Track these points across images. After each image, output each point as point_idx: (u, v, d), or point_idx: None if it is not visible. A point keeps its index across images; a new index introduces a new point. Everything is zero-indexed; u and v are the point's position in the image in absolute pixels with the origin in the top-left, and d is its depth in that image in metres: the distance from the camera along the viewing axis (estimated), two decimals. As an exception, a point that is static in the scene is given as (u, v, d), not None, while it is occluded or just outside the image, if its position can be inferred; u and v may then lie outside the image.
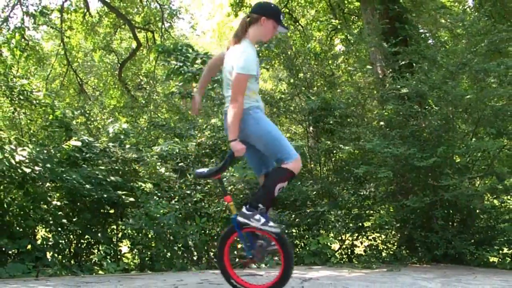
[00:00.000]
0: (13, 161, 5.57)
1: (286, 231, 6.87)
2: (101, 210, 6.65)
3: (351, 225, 6.82)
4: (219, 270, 3.69)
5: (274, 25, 3.38)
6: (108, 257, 6.18)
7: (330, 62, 7.98)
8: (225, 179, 6.81)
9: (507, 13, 9.18)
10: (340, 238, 6.97)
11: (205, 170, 3.72)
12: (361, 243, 7.21)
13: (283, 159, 3.27)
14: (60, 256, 6.09)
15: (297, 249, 6.86)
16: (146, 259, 6.39)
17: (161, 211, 6.18)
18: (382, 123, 7.00)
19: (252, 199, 3.44)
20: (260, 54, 8.10)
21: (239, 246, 3.65)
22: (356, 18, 11.03)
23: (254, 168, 3.64)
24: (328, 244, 6.48)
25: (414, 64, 7.12)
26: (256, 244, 3.44)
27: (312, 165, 7.57)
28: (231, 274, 3.62)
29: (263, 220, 3.29)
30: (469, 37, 6.13)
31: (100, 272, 5.75)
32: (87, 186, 6.11)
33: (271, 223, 3.32)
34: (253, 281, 3.76)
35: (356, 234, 7.05)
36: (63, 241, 6.21)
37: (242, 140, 3.28)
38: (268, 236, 3.38)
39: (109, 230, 6.73)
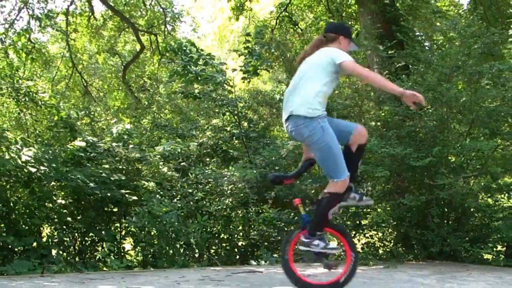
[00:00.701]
0: (19, 161, 5.58)
1: (286, 229, 6.87)
2: (105, 209, 6.66)
3: (348, 223, 6.82)
4: (284, 273, 3.67)
5: (349, 42, 3.65)
6: (112, 254, 6.18)
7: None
8: (225, 178, 6.82)
9: (501, 16, 9.18)
10: (338, 236, 6.96)
11: (280, 174, 3.77)
12: (359, 240, 7.21)
13: (334, 177, 3.38)
14: (65, 253, 6.10)
15: (296, 246, 6.86)
16: (149, 256, 6.40)
17: (164, 209, 6.19)
18: (379, 123, 7.00)
19: (310, 227, 3.56)
20: (260, 57, 8.10)
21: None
22: (354, 21, 11.03)
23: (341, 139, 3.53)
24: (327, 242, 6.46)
25: (410, 66, 7.13)
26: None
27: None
28: (297, 275, 3.64)
29: (322, 244, 3.47)
30: (463, 40, 6.13)
31: (104, 269, 5.76)
32: (91, 185, 6.12)
33: (330, 244, 3.54)
34: (316, 279, 3.76)
35: (354, 232, 7.05)
36: (68, 239, 6.22)
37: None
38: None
39: (112, 228, 6.74)
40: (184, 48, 8.09)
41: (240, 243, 7.19)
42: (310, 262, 3.96)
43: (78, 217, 6.38)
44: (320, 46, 3.56)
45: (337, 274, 3.62)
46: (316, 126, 3.29)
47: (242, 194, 6.81)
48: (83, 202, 6.50)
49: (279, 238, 6.87)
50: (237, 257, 6.61)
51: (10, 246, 5.48)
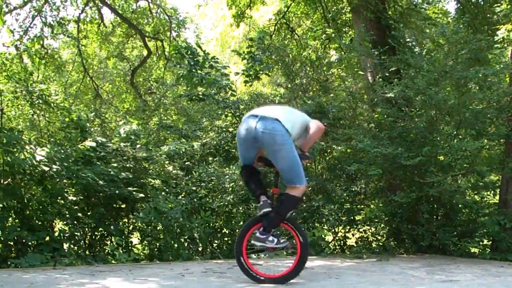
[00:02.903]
0: (33, 161, 5.58)
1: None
2: (114, 205, 6.65)
3: (343, 218, 6.82)
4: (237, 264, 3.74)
5: None
6: (120, 248, 6.17)
7: (324, 68, 7.96)
8: (227, 177, 6.81)
9: (487, 24, 9.15)
10: (333, 230, 6.96)
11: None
12: (353, 235, 7.20)
13: (297, 183, 3.55)
14: (76, 247, 6.09)
15: (293, 241, 6.85)
16: (155, 250, 6.39)
17: (169, 205, 6.18)
18: (372, 125, 7.00)
19: (267, 224, 3.62)
20: (262, 62, 8.10)
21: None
22: (349, 28, 11.01)
23: (246, 159, 3.82)
24: (323, 236, 6.48)
25: (401, 71, 7.12)
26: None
27: (307, 164, 7.56)
28: (253, 271, 3.71)
29: (276, 240, 3.62)
30: (450, 46, 6.13)
31: (113, 262, 5.75)
32: (101, 182, 6.10)
33: (281, 240, 3.68)
34: (269, 271, 3.80)
35: (348, 227, 7.04)
36: (78, 233, 6.21)
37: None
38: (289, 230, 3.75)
39: (121, 223, 6.73)
40: (194, 50, 8.08)
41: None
42: (257, 252, 3.99)
43: (88, 213, 6.37)
44: None
45: (288, 266, 3.72)
46: (289, 139, 3.54)
47: (243, 192, 6.80)
48: (93, 199, 6.48)
49: (277, 232, 6.87)
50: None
51: (24, 240, 5.47)
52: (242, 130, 3.66)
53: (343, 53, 8.60)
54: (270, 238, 3.60)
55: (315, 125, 3.76)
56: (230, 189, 6.84)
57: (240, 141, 3.74)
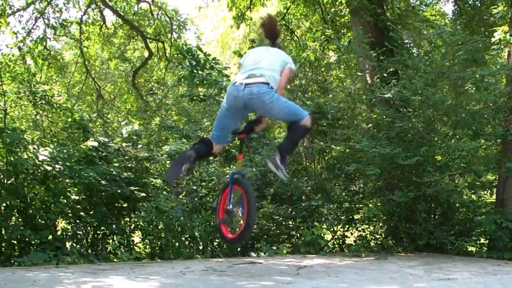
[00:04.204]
0: (36, 160, 5.58)
1: (284, 223, 6.87)
2: (115, 204, 6.65)
3: (342, 217, 6.82)
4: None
5: None
6: (122, 246, 6.17)
7: (323, 69, 7.96)
8: (227, 176, 6.81)
9: (484, 25, 9.16)
10: (332, 229, 6.96)
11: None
12: (351, 234, 7.20)
13: (303, 115, 3.73)
14: (78, 246, 6.08)
15: (293, 240, 6.86)
16: (156, 248, 6.39)
17: (170, 205, 6.18)
18: (370, 125, 6.99)
19: (284, 151, 3.83)
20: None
21: None
22: (347, 30, 11.01)
23: (219, 137, 3.91)
24: (322, 235, 6.47)
25: (399, 72, 7.11)
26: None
27: (307, 163, 7.57)
28: (225, 235, 3.88)
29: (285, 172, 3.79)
30: (447, 47, 6.12)
31: (115, 260, 5.75)
32: (103, 182, 6.11)
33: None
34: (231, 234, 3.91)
35: (347, 226, 7.04)
36: (81, 232, 6.21)
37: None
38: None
39: (122, 222, 6.73)
40: (193, 52, 8.09)
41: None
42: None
43: (91, 212, 6.37)
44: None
45: (239, 227, 3.77)
46: (275, 94, 3.68)
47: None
48: (95, 198, 6.49)
49: (278, 232, 6.87)
50: (238, 249, 6.59)
51: (27, 239, 5.47)
52: (230, 100, 3.74)
53: (341, 54, 8.60)
54: (284, 170, 3.78)
55: (286, 71, 3.93)
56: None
57: (226, 110, 3.81)
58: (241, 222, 3.75)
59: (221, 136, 3.93)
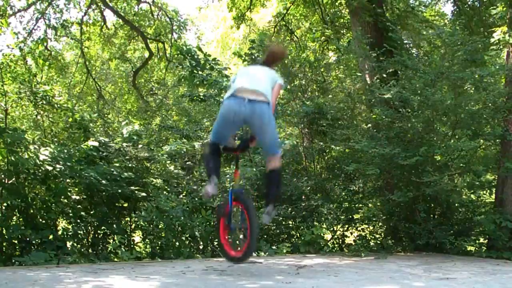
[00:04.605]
0: (37, 160, 5.58)
1: (283, 223, 6.87)
2: (116, 204, 6.65)
3: (342, 217, 6.82)
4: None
5: None
6: (122, 246, 6.18)
7: (323, 70, 7.97)
8: (227, 176, 6.81)
9: (483, 26, 9.15)
10: (332, 229, 6.96)
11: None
12: (351, 233, 7.20)
13: (278, 150, 3.91)
14: (79, 245, 6.09)
15: (293, 239, 6.86)
16: (157, 248, 6.39)
17: (170, 204, 6.18)
18: (369, 125, 6.99)
19: (275, 200, 3.94)
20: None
21: None
22: (347, 30, 11.01)
23: (220, 140, 4.00)
24: (321, 234, 6.47)
25: (398, 72, 7.12)
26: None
27: (306, 163, 7.57)
28: (221, 237, 3.93)
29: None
30: (446, 47, 6.12)
31: (115, 259, 5.75)
32: (103, 182, 6.11)
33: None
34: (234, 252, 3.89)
35: (347, 226, 7.05)
36: (81, 232, 6.21)
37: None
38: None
39: (123, 222, 6.73)
40: (193, 53, 8.10)
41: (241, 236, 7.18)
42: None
43: (91, 212, 6.37)
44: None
45: (244, 243, 3.76)
46: (272, 116, 3.79)
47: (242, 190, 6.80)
48: (95, 198, 6.49)
49: (278, 231, 6.87)
50: (238, 248, 6.60)
51: (28, 239, 5.47)
52: (230, 111, 3.75)
53: (341, 54, 8.60)
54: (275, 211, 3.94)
55: (277, 88, 3.98)
56: (231, 188, 6.84)
57: (224, 119, 3.83)
58: (244, 238, 3.73)
59: (222, 139, 4.01)
